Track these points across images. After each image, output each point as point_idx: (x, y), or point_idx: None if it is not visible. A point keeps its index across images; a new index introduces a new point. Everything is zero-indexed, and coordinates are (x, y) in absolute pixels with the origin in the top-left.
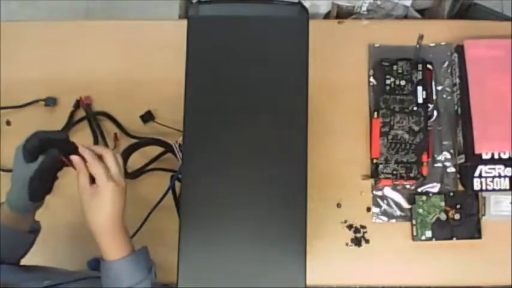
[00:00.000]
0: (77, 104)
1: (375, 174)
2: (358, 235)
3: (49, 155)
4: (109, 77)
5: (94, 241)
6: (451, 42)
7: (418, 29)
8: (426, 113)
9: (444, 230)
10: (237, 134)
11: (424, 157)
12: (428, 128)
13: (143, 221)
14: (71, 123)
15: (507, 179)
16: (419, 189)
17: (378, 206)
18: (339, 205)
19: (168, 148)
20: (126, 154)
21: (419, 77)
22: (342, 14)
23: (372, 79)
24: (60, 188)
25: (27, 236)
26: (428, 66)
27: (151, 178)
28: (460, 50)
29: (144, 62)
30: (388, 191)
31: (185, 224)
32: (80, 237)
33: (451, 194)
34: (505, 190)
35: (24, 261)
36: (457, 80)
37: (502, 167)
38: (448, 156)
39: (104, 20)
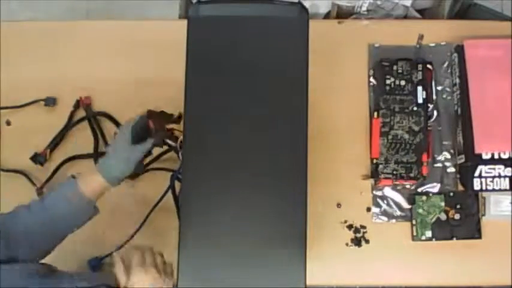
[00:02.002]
0: (77, 104)
1: (375, 174)
2: (358, 235)
3: (157, 139)
4: (109, 77)
5: (94, 241)
6: (451, 42)
7: (418, 29)
8: (426, 113)
9: (444, 230)
10: (237, 134)
11: (424, 157)
12: (428, 128)
13: (143, 220)
14: (71, 123)
15: (507, 179)
16: (419, 189)
17: (378, 206)
18: (339, 205)
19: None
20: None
21: (419, 77)
22: (342, 14)
23: (372, 79)
24: None
25: (91, 209)
26: (428, 66)
27: (151, 178)
28: (460, 50)
29: (144, 62)
30: (388, 191)
31: (185, 224)
32: (81, 237)
33: (451, 194)
34: (505, 190)
35: None
36: (457, 80)
37: (502, 167)
38: (448, 156)
39: (104, 20)
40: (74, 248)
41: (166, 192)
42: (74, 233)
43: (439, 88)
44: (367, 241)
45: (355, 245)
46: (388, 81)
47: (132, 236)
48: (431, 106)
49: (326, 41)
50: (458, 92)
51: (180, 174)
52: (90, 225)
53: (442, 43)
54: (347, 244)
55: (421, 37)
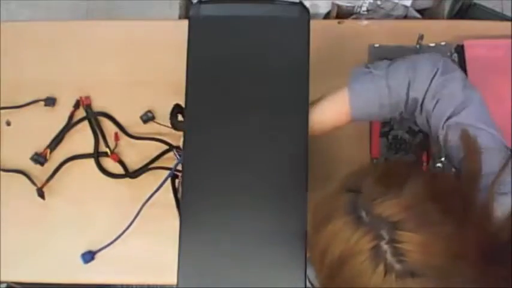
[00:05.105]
0: (77, 104)
1: None
2: None
3: None
4: (109, 77)
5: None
6: (451, 42)
7: (418, 29)
8: None
9: None
10: (237, 133)
11: (424, 157)
12: None
13: (136, 214)
14: (71, 123)
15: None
16: None
17: None
18: None
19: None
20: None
21: None
22: (342, 14)
23: None
24: (60, 187)
25: None
26: None
27: (151, 177)
28: (460, 50)
29: (144, 62)
30: None
31: (185, 223)
32: (79, 237)
33: None
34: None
35: (22, 257)
36: None
37: None
38: None
39: (104, 20)
40: (72, 246)
41: (160, 186)
42: (73, 232)
43: None
44: None
45: None
46: None
47: (125, 230)
48: None
49: (326, 41)
50: None
51: (175, 171)
52: (88, 224)
53: (442, 43)
54: None
55: (421, 37)
